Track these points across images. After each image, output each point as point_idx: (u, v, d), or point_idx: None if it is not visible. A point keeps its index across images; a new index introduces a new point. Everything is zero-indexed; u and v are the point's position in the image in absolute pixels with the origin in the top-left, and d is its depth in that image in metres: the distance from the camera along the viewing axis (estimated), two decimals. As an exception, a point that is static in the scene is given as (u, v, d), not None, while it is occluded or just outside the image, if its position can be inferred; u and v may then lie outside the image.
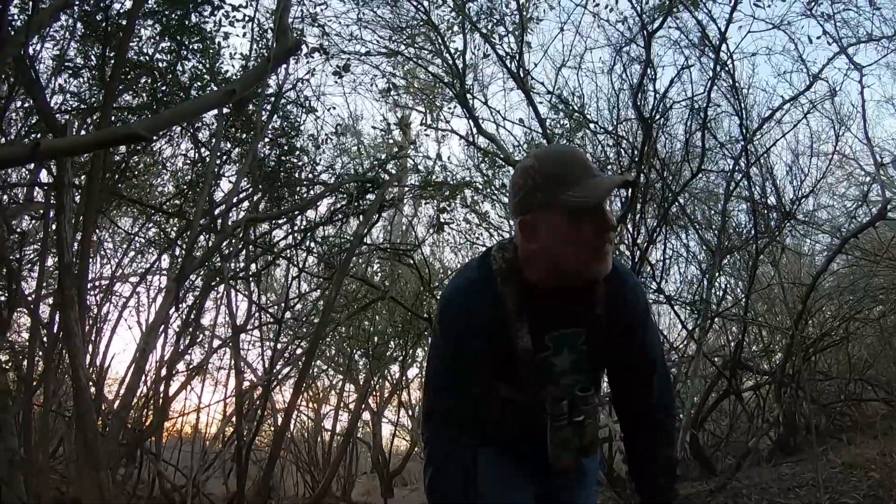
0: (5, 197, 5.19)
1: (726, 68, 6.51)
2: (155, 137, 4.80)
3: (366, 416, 9.29)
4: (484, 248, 1.95)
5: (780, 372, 6.94)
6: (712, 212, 7.78)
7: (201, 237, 5.85)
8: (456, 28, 6.79)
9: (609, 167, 7.18)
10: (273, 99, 5.62)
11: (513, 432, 1.86)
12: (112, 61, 4.29)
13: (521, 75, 6.29)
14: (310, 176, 6.56)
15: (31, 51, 3.89)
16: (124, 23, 4.36)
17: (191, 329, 6.47)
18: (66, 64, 4.81)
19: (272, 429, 8.39)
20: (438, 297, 1.91)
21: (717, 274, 7.02)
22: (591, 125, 7.08)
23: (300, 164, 6.42)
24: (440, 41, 6.77)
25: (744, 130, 6.68)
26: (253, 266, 6.67)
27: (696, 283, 7.58)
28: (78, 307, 3.49)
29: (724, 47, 6.38)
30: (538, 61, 8.67)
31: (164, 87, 5.36)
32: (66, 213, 3.44)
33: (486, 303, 1.70)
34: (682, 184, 6.83)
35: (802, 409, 7.39)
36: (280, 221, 6.67)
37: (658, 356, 1.88)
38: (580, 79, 7.40)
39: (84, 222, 3.89)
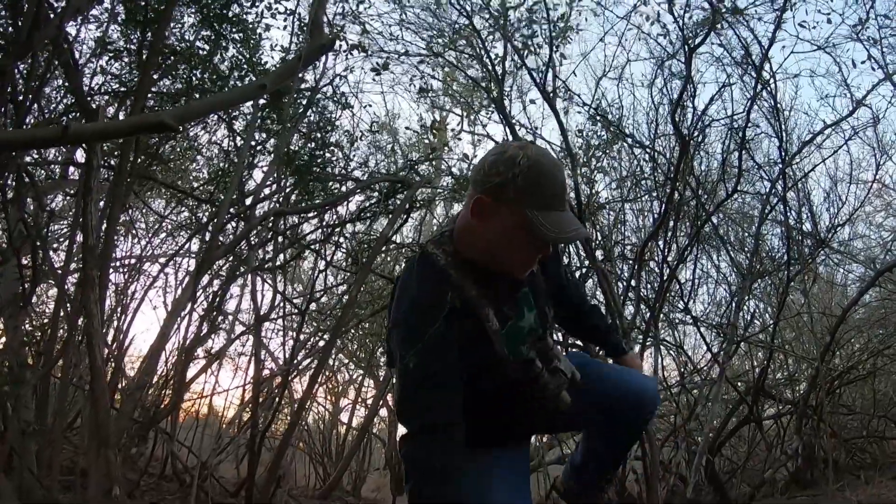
0: (42, 172, 5.32)
1: (768, 88, 6.42)
2: (186, 127, 4.87)
3: (383, 412, 9.30)
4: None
5: (803, 403, 6.81)
6: (745, 234, 7.67)
7: (230, 225, 5.93)
8: (498, 35, 6.77)
9: (644, 182, 7.11)
10: (309, 93, 5.66)
11: (503, 427, 1.88)
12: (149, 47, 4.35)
13: (549, 90, 6.23)
14: (342, 171, 6.58)
15: (72, 32, 4.00)
16: (162, 8, 4.42)
17: (213, 315, 6.55)
18: (108, 47, 4.89)
19: (289, 418, 8.44)
20: (392, 324, 1.83)
21: (746, 297, 6.92)
22: (629, 139, 7.02)
23: (333, 158, 6.45)
24: (481, 46, 6.75)
25: (783, 153, 6.57)
26: (280, 257, 6.71)
27: (725, 306, 7.50)
28: (99, 288, 3.55)
29: (766, 66, 6.31)
30: (574, 69, 8.36)
31: (203, 75, 5.42)
32: (93, 195, 3.51)
33: (446, 300, 1.71)
34: (716, 203, 6.75)
35: (822, 442, 7.26)
36: (309, 215, 6.71)
37: (581, 284, 2.18)
38: (620, 91, 7.23)
39: (111, 204, 3.96)
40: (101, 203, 4.28)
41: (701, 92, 7.09)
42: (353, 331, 8.30)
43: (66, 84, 4.41)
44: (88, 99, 4.13)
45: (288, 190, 6.28)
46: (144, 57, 4.23)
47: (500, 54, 6.69)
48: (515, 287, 1.83)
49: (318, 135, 6.13)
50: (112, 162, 5.05)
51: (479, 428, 1.75)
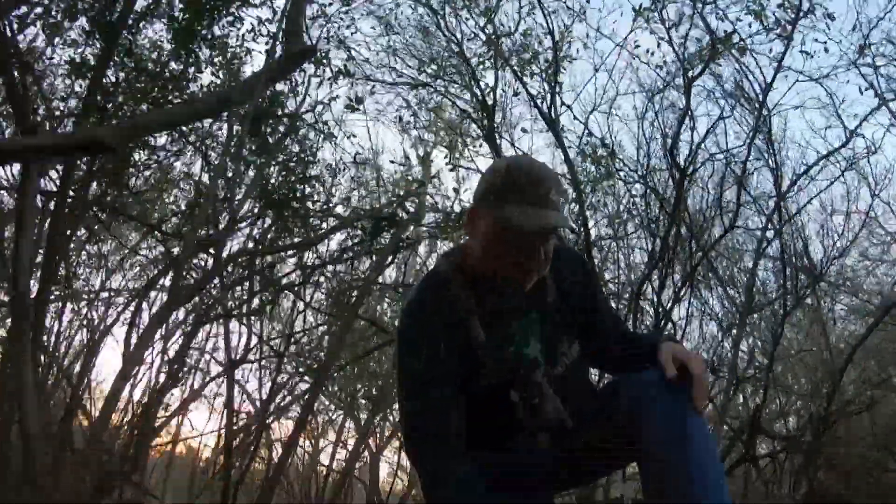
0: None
1: (767, 125, 6.27)
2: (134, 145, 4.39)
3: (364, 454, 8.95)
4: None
5: (797, 440, 6.65)
6: (738, 270, 7.46)
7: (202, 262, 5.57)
8: (488, 63, 6.53)
9: (637, 217, 6.86)
10: (288, 121, 5.34)
11: (501, 438, 1.77)
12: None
13: (553, 117, 6.01)
14: (324, 207, 6.25)
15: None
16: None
17: (182, 359, 6.16)
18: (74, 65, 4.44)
19: (265, 462, 8.04)
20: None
21: (741, 336, 6.72)
22: (621, 173, 6.80)
23: (314, 194, 6.12)
24: (471, 75, 6.50)
25: (778, 187, 6.38)
26: (255, 301, 6.28)
27: (718, 343, 7.26)
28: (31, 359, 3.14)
29: (765, 101, 6.15)
30: (570, 103, 8.02)
31: (176, 99, 5.00)
32: (28, 232, 3.10)
33: (441, 307, 1.69)
34: (711, 242, 6.54)
35: (821, 477, 7.08)
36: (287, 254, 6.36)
37: (615, 310, 2.04)
38: (611, 124, 7.02)
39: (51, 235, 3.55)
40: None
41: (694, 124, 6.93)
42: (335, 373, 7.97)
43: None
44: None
45: (265, 225, 5.93)
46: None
47: (490, 83, 6.47)
48: (520, 309, 1.74)
49: (298, 168, 5.77)
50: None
51: (480, 433, 1.69)
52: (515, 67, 6.28)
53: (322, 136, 5.72)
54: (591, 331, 1.84)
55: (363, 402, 8.42)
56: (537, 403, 1.72)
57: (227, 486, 6.37)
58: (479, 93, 6.37)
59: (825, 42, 6.02)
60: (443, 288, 1.72)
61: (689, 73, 5.98)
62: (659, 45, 6.04)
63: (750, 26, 6.01)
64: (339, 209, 6.25)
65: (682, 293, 6.56)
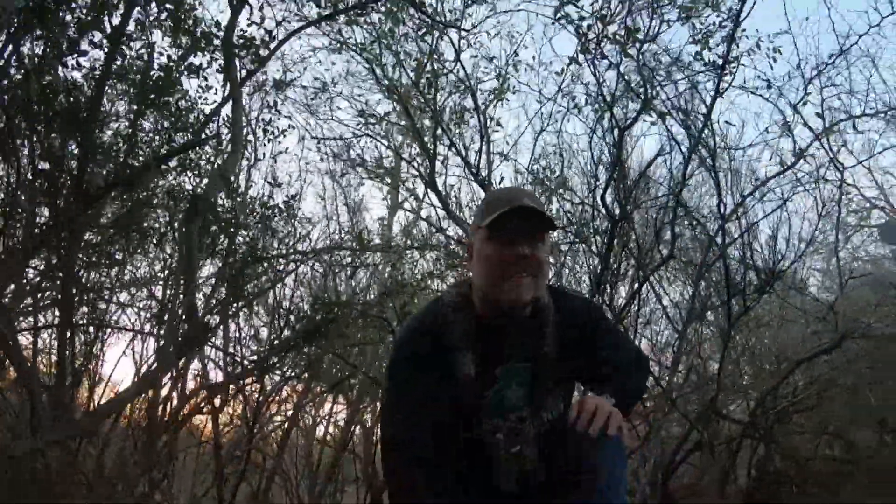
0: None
1: (707, 149, 6.36)
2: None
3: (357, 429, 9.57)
4: None
5: (754, 425, 7.07)
6: (689, 271, 7.69)
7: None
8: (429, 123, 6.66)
9: (585, 246, 7.08)
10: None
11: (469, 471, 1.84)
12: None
13: (483, 179, 6.25)
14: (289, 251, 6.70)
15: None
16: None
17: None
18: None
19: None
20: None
21: (682, 351, 7.09)
22: (566, 194, 7.01)
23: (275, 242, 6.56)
24: (415, 132, 6.63)
25: (721, 209, 6.51)
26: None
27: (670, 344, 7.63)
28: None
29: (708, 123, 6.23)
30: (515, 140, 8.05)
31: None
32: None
33: (432, 332, 1.79)
34: (651, 268, 6.79)
35: (774, 463, 7.56)
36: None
37: (622, 357, 1.95)
38: (560, 142, 7.08)
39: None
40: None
41: (643, 142, 7.01)
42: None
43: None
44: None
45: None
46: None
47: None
48: (515, 353, 1.81)
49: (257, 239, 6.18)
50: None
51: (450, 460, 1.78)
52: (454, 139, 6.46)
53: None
54: (592, 376, 1.86)
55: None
56: (518, 451, 1.80)
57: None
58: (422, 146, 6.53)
59: (767, 80, 6.09)
60: (438, 314, 1.81)
61: (621, 124, 6.09)
62: (587, 102, 6.17)
63: (689, 66, 6.09)
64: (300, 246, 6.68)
65: (624, 313, 6.88)
